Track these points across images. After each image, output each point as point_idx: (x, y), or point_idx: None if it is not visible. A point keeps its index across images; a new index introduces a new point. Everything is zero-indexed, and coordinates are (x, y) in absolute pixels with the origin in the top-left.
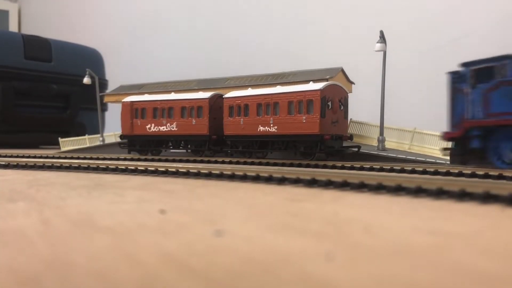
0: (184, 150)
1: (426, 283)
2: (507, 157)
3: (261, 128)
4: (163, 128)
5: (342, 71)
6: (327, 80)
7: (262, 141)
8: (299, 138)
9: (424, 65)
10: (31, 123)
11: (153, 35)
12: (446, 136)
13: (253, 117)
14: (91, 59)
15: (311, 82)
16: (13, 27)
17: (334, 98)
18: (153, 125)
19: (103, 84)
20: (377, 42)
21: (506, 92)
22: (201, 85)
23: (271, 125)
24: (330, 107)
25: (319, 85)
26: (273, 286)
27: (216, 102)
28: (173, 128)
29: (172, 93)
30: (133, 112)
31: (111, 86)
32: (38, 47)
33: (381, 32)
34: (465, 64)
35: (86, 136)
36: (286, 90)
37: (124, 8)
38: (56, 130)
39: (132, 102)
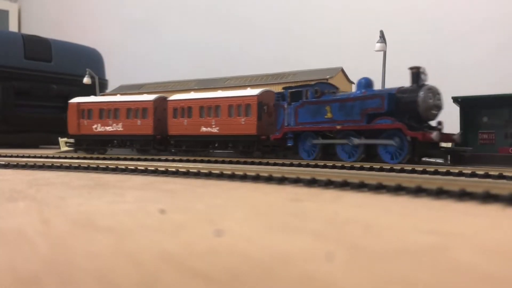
0: (130, 149)
1: (426, 283)
2: (307, 147)
3: (203, 128)
4: (109, 128)
5: (342, 71)
6: (327, 80)
7: (204, 141)
8: (239, 138)
9: (424, 64)
10: (31, 123)
11: (153, 35)
12: (272, 138)
13: (196, 119)
14: (91, 59)
15: (248, 88)
16: (13, 27)
17: (269, 103)
18: (99, 125)
19: (103, 84)
20: (377, 42)
21: (307, 109)
22: (201, 85)
23: (213, 126)
24: (265, 111)
25: (256, 91)
26: (273, 286)
27: (161, 104)
28: (119, 128)
29: (118, 95)
30: (80, 112)
31: (111, 86)
32: (38, 47)
33: (381, 32)
34: (285, 88)
35: None
36: (227, 95)
37: (124, 8)
38: (56, 130)
39: (78, 103)
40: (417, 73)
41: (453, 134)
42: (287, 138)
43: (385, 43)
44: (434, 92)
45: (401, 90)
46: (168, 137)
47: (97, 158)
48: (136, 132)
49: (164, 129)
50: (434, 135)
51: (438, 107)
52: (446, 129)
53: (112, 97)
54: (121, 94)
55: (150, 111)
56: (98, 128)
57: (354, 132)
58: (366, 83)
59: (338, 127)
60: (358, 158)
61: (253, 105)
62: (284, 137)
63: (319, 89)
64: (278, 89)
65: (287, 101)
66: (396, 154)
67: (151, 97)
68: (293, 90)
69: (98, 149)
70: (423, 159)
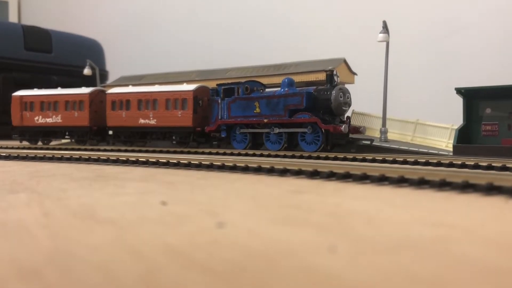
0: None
1: (429, 275)
2: (239, 138)
3: (141, 120)
4: (50, 120)
5: (345, 61)
6: (332, 70)
7: (142, 132)
8: (176, 129)
9: (426, 56)
10: None
11: (154, 26)
12: (207, 129)
13: (134, 111)
14: (92, 50)
15: (184, 83)
16: (13, 18)
17: (203, 98)
18: (40, 117)
19: (104, 75)
20: (380, 33)
21: (239, 104)
22: (202, 76)
23: (151, 118)
24: (200, 105)
25: (191, 87)
26: (275, 277)
27: (97, 96)
28: (58, 120)
29: (59, 88)
30: (23, 105)
31: (112, 77)
32: (38, 38)
33: (384, 23)
34: (218, 85)
35: None
36: (164, 89)
37: None
38: None
39: (21, 96)
40: (331, 75)
41: (360, 127)
42: (221, 130)
43: (388, 33)
44: (344, 92)
45: (317, 89)
46: (107, 128)
47: (98, 150)
48: (74, 123)
49: (101, 120)
50: (343, 127)
51: (348, 104)
52: (451, 121)
53: (52, 90)
54: (123, 86)
55: (86, 104)
56: (40, 119)
57: (279, 125)
58: (289, 83)
59: (265, 120)
60: (282, 147)
61: (189, 99)
62: (218, 129)
63: (249, 87)
64: (279, 80)
65: (220, 96)
66: (313, 143)
67: (87, 90)
68: (226, 86)
69: (43, 140)
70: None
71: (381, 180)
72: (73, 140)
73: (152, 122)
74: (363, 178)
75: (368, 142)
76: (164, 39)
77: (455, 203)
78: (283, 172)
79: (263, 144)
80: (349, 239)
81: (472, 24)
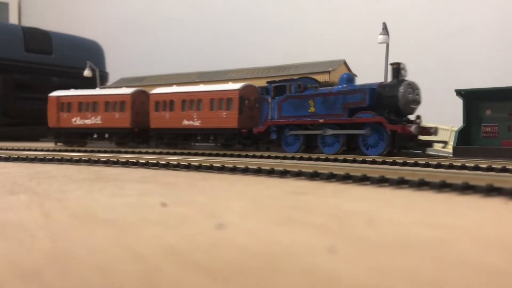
0: (110, 143)
1: (429, 276)
2: (290, 141)
3: (185, 122)
4: (88, 121)
5: (345, 63)
6: (329, 72)
7: (186, 134)
8: (220, 131)
9: (426, 57)
10: (31, 116)
11: (154, 27)
12: (255, 131)
13: (178, 112)
14: (92, 52)
15: (230, 82)
16: (13, 19)
17: (250, 97)
18: (78, 118)
19: (104, 76)
20: (380, 34)
21: (291, 103)
22: (202, 77)
23: (195, 119)
24: (246, 105)
25: (237, 86)
26: (275, 279)
27: (139, 97)
28: (97, 121)
29: (97, 88)
30: (59, 106)
31: (112, 79)
32: (38, 39)
33: (384, 24)
34: (268, 82)
35: None
36: (208, 89)
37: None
38: None
39: (58, 96)
40: (397, 69)
41: (430, 128)
42: (270, 131)
43: (388, 35)
44: (413, 87)
45: (382, 85)
46: (150, 130)
47: (98, 151)
48: (114, 125)
49: (142, 122)
50: (413, 128)
51: (417, 102)
52: (451, 123)
53: (91, 90)
54: (121, 87)
55: (128, 104)
56: (77, 121)
57: (337, 126)
58: (348, 78)
59: (321, 120)
60: (339, 150)
61: (235, 99)
62: (268, 130)
63: (302, 84)
64: None
65: (270, 95)
66: (376, 146)
67: (129, 90)
68: (277, 84)
69: (78, 142)
70: (403, 150)
71: (381, 181)
72: (112, 143)
73: (196, 123)
74: (363, 180)
75: (442, 144)
76: (164, 41)
77: (455, 204)
78: (283, 174)
79: (317, 146)
80: (349, 240)
81: (472, 25)
